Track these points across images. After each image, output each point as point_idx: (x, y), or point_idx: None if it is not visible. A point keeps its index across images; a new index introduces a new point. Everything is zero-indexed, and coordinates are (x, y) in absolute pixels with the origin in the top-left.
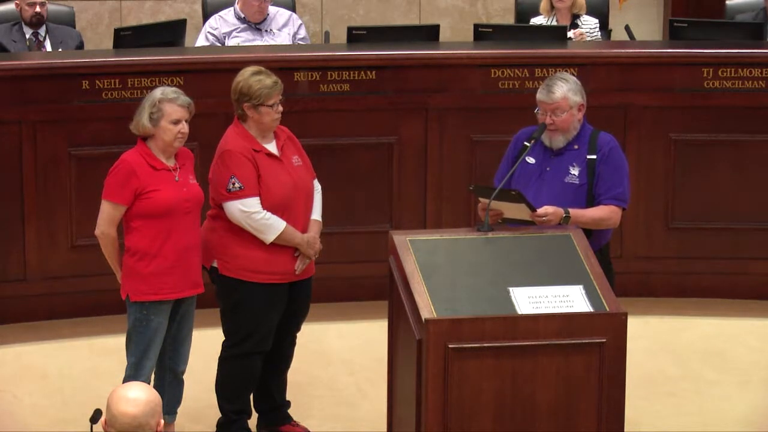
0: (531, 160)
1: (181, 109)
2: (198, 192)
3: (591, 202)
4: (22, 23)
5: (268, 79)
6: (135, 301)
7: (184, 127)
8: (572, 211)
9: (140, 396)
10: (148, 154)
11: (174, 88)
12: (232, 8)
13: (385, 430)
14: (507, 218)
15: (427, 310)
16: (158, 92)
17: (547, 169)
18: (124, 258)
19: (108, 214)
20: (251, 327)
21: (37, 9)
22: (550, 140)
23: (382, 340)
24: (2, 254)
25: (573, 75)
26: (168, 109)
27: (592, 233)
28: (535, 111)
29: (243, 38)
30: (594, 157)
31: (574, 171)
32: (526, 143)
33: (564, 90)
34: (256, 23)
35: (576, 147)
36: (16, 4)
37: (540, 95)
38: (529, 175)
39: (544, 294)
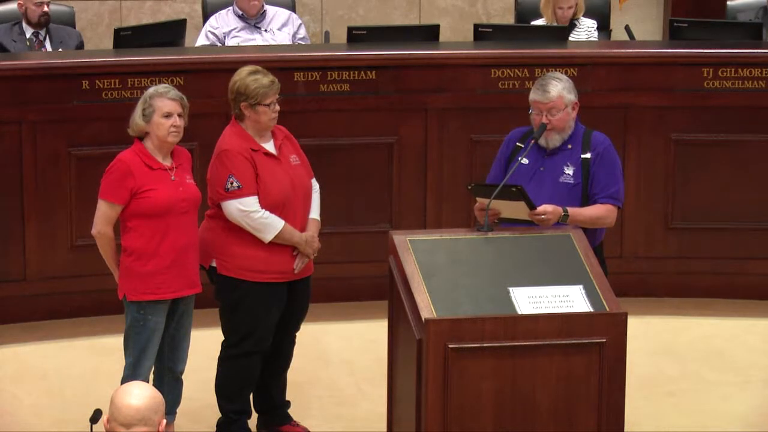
0: (525, 160)
1: (172, 103)
2: (195, 191)
3: (585, 201)
4: (23, 23)
5: (265, 79)
6: (132, 301)
7: (176, 121)
8: (570, 210)
9: (144, 391)
10: (145, 153)
11: (166, 85)
12: (231, 8)
13: (385, 430)
14: (504, 218)
15: (427, 310)
16: (150, 90)
17: (541, 169)
18: (122, 258)
19: (104, 214)
20: (250, 326)
21: (45, 8)
22: (547, 140)
23: (382, 340)
24: (2, 254)
25: (573, 75)
26: (159, 103)
27: (586, 233)
28: (529, 112)
29: (242, 38)
30: (588, 156)
31: (569, 170)
32: (518, 144)
33: (559, 89)
34: (255, 22)
35: (569, 146)
36: (20, 4)
37: (535, 95)
38: (524, 175)
39: (544, 294)
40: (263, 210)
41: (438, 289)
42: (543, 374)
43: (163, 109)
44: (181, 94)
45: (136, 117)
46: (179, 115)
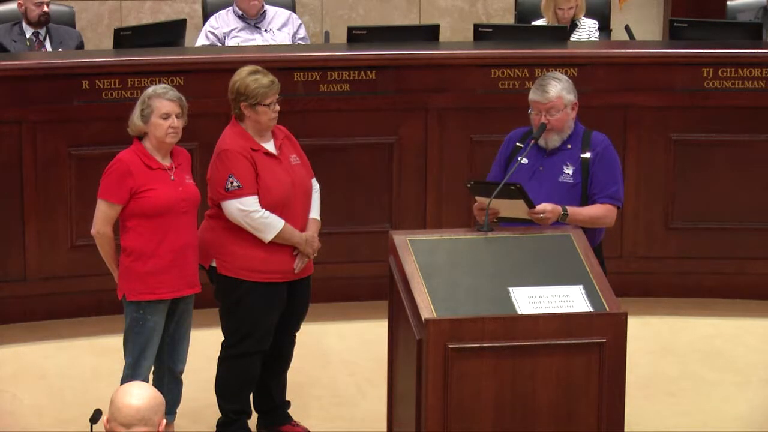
0: (524, 160)
1: (170, 104)
2: (194, 192)
3: (585, 201)
4: (23, 23)
5: (265, 78)
6: (131, 301)
7: (174, 122)
8: (569, 209)
9: (144, 392)
10: (144, 153)
11: (165, 85)
12: (231, 8)
13: (385, 430)
14: (503, 217)
15: (427, 310)
16: (149, 90)
17: (541, 168)
18: (121, 258)
19: (104, 213)
20: (250, 326)
21: (45, 8)
22: (546, 140)
23: (382, 340)
24: (2, 254)
25: (573, 75)
26: (157, 104)
27: (586, 233)
28: (529, 112)
29: (242, 38)
30: (588, 155)
31: (568, 170)
32: (518, 144)
33: (558, 89)
34: (255, 22)
35: (569, 146)
36: (20, 4)
37: (534, 95)
38: (523, 175)
39: (544, 294)
40: (263, 210)
41: (438, 289)
42: (543, 374)
43: (161, 110)
44: (179, 94)
45: (135, 117)
46: (177, 116)
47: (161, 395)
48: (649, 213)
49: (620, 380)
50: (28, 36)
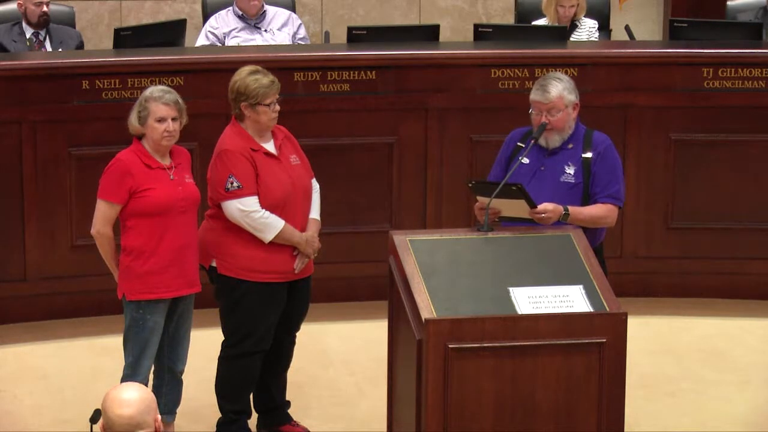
0: (525, 160)
1: (166, 107)
2: (194, 191)
3: (586, 200)
4: (23, 23)
5: (265, 78)
6: (131, 301)
7: (169, 126)
8: (571, 209)
9: (133, 396)
10: (143, 152)
11: (163, 87)
12: (231, 8)
13: (385, 430)
14: (504, 217)
15: (427, 310)
16: (147, 91)
17: (542, 168)
18: (121, 257)
19: (103, 213)
20: (250, 326)
21: (44, 9)
22: (547, 140)
23: (382, 340)
24: (2, 254)
25: (573, 75)
26: (153, 107)
27: (586, 233)
28: (530, 112)
29: (242, 38)
30: (589, 155)
31: (570, 170)
32: (519, 144)
33: (559, 89)
34: (255, 22)
35: (570, 146)
36: (19, 4)
37: (535, 95)
38: (524, 175)
39: (544, 294)
40: (263, 210)
41: (438, 289)
42: (543, 374)
43: (156, 114)
44: (177, 97)
45: (132, 118)
46: (173, 119)
47: (151, 393)
48: (649, 213)
49: (620, 380)
50: (28, 36)
